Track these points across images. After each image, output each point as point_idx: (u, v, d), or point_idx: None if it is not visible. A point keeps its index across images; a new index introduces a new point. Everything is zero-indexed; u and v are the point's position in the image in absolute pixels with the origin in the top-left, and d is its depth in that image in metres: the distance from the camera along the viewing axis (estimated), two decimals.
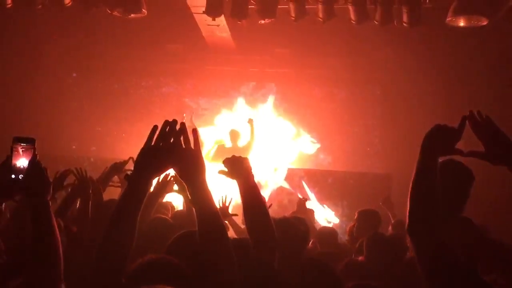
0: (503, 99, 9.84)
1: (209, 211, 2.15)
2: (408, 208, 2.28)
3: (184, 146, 2.21)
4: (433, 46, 9.97)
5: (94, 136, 11.78)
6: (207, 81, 12.08)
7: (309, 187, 10.75)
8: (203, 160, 2.24)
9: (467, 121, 2.41)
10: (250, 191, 2.81)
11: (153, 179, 2.25)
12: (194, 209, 2.17)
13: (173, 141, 2.22)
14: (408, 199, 2.29)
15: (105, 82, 12.22)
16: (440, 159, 2.38)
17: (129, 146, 10.39)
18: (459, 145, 2.40)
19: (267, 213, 2.77)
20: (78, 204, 4.73)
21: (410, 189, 2.29)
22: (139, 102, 12.13)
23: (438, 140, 2.35)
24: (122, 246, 2.10)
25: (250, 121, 10.53)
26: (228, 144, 10.65)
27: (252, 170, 2.89)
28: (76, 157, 10.38)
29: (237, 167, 2.84)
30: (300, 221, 3.94)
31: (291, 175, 11.09)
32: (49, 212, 2.22)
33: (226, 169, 2.87)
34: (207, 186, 2.18)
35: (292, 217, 4.04)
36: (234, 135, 10.59)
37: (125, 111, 11.99)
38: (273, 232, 2.71)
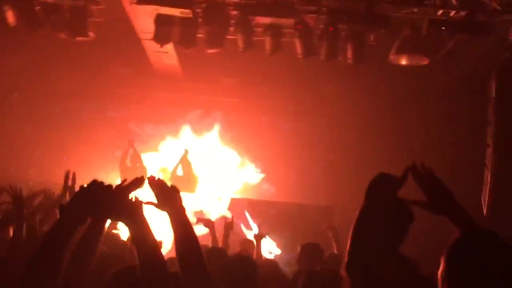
0: (441, 130, 10.20)
1: (148, 248, 2.15)
2: (348, 247, 2.38)
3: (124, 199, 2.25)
4: (377, 81, 10.25)
5: (33, 159, 11.46)
6: (153, 107, 12.00)
7: (252, 217, 10.76)
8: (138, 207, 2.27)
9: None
10: (181, 223, 2.76)
11: (86, 218, 2.26)
12: (135, 248, 2.18)
13: (112, 192, 2.37)
14: (349, 239, 2.39)
15: (47, 104, 11.95)
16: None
17: (70, 169, 10.16)
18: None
19: (198, 246, 2.72)
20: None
21: (352, 230, 2.40)
22: (82, 126, 11.90)
23: (381, 188, 2.45)
24: (44, 280, 2.06)
25: (186, 152, 10.61)
26: (180, 172, 10.59)
27: (183, 202, 2.85)
28: (13, 180, 10.04)
29: (167, 197, 2.80)
30: (246, 261, 3.94)
31: (234, 205, 11.07)
32: None
33: (155, 201, 2.84)
34: (146, 228, 2.20)
35: (237, 257, 4.03)
36: (185, 165, 10.58)
37: (67, 134, 11.73)
38: (204, 265, 2.66)
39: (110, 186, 2.36)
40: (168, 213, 2.78)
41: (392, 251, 3.21)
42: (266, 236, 7.81)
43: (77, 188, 4.83)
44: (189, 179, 10.30)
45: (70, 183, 5.35)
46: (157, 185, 2.83)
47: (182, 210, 2.79)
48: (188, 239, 2.70)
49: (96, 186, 2.34)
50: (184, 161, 10.66)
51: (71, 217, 2.22)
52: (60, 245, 2.17)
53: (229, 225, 7.09)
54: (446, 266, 2.10)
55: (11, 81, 11.47)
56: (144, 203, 2.73)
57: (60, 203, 5.39)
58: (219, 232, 6.99)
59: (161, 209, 2.79)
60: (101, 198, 2.31)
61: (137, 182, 2.78)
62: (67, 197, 5.49)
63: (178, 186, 2.86)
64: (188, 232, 2.73)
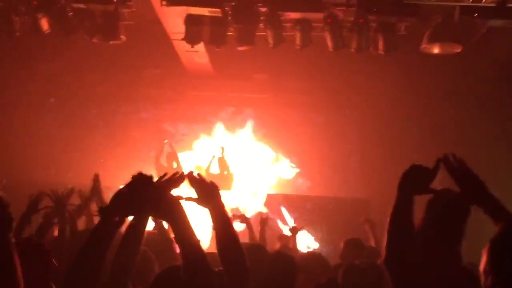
0: (476, 121, 10.05)
1: (193, 249, 2.19)
2: (385, 242, 2.42)
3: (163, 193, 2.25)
4: (410, 71, 10.14)
5: (71, 162, 11.69)
6: (186, 107, 12.11)
7: (288, 212, 10.77)
8: (179, 204, 2.28)
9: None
10: (221, 219, 2.78)
11: (126, 217, 2.31)
12: (179, 247, 2.22)
13: (153, 188, 2.33)
14: (386, 234, 2.43)
15: (82, 108, 12.18)
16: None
17: (107, 171, 10.34)
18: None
19: (238, 242, 2.74)
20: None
21: (388, 225, 2.44)
22: (117, 128, 12.09)
23: (413, 180, 2.50)
24: (88, 279, 2.13)
25: (222, 150, 10.65)
26: (215, 170, 10.66)
27: (222, 198, 2.87)
28: (54, 184, 10.27)
29: (207, 194, 2.81)
30: (286, 258, 4.00)
31: (270, 200, 11.10)
32: (9, 251, 2.14)
33: (196, 196, 2.86)
34: (188, 225, 2.22)
35: (277, 254, 4.09)
36: (220, 163, 10.65)
37: (103, 136, 11.94)
38: (245, 261, 2.69)
39: (151, 177, 2.34)
40: (209, 209, 2.78)
41: (450, 248, 3.22)
42: (302, 230, 7.84)
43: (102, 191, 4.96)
44: (225, 177, 10.36)
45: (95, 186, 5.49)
46: (197, 181, 2.82)
47: (222, 206, 2.80)
48: (229, 235, 2.72)
49: (139, 179, 2.33)
50: (220, 159, 10.72)
51: (112, 218, 2.25)
52: (102, 246, 2.23)
53: (264, 221, 7.16)
54: (490, 259, 2.08)
55: (47, 86, 11.73)
56: (185, 199, 2.72)
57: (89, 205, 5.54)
58: (256, 228, 7.05)
59: (201, 205, 2.79)
60: (142, 195, 2.30)
61: (177, 179, 2.80)
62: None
63: None
64: (229, 228, 2.74)
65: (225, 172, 10.62)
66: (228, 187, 10.32)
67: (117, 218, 2.30)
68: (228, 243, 2.71)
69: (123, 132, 11.94)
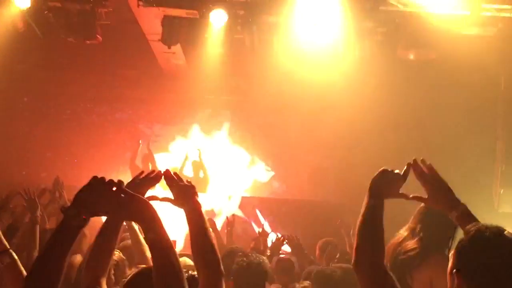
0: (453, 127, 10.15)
1: (163, 249, 2.15)
2: (355, 244, 2.44)
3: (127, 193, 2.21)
4: (387, 75, 10.18)
5: (44, 162, 11.54)
6: (162, 108, 12.04)
7: (263, 215, 10.78)
8: (149, 204, 2.25)
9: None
10: (197, 221, 2.69)
11: (89, 217, 2.22)
12: (149, 249, 2.18)
13: (115, 189, 2.23)
14: (355, 236, 2.46)
15: (57, 107, 12.03)
16: None
17: (81, 171, 10.24)
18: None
19: (214, 245, 2.70)
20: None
21: (357, 228, 2.46)
22: (92, 128, 11.97)
23: (384, 184, 2.55)
24: (48, 279, 2.10)
25: (198, 151, 10.62)
26: (189, 172, 10.63)
27: (198, 198, 2.79)
28: (26, 184, 10.13)
29: (184, 194, 2.74)
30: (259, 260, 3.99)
31: (245, 203, 11.09)
32: None
33: (171, 197, 2.80)
34: (160, 226, 2.18)
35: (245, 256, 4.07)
36: (196, 166, 10.62)
37: (78, 136, 11.81)
38: (219, 265, 2.65)
39: (110, 182, 2.24)
40: (185, 211, 2.71)
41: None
42: (273, 233, 7.85)
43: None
44: (201, 179, 10.34)
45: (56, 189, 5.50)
46: (174, 181, 2.75)
47: (199, 207, 2.74)
48: (205, 237, 2.66)
49: (97, 183, 2.24)
50: (195, 162, 10.69)
51: (72, 218, 2.19)
52: (63, 246, 2.16)
53: (230, 223, 7.20)
54: (456, 262, 2.12)
55: (21, 85, 11.56)
56: (160, 199, 2.70)
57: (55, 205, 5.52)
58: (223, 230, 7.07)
59: (177, 206, 2.73)
60: (103, 196, 2.20)
61: (154, 178, 2.75)
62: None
63: None
64: (205, 231, 2.68)
65: (201, 175, 10.60)
66: (203, 190, 10.29)
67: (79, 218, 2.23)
68: (204, 246, 2.65)
69: (98, 132, 11.83)
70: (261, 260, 3.99)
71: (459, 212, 2.56)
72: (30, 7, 8.10)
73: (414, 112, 10.84)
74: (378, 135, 10.68)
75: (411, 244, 3.57)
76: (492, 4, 8.22)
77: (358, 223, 2.46)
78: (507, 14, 8.29)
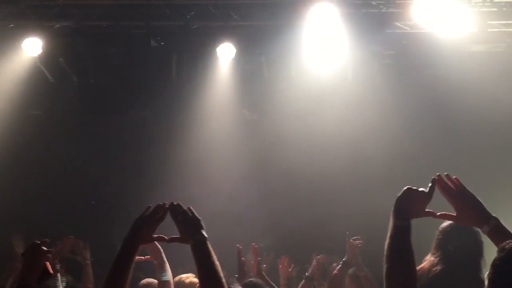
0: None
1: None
2: (385, 269, 2.31)
3: None
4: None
5: None
6: None
7: None
8: None
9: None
10: (202, 253, 2.56)
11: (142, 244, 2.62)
12: None
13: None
14: (385, 260, 2.32)
15: None
16: None
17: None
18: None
19: (220, 278, 2.57)
20: None
21: (386, 251, 2.33)
22: None
23: (409, 204, 2.41)
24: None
25: None
26: None
27: (204, 231, 2.62)
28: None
29: (189, 228, 2.61)
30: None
31: None
32: None
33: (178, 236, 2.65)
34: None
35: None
36: None
37: None
38: None
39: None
40: (191, 245, 2.59)
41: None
42: None
43: None
44: None
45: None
46: (180, 214, 2.64)
47: (205, 239, 2.60)
48: (213, 271, 2.53)
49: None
50: None
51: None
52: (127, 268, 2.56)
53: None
54: (493, 283, 2.01)
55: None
56: (167, 240, 2.67)
57: None
58: None
59: (184, 242, 2.61)
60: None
61: (162, 215, 2.64)
62: None
63: None
64: (212, 264, 2.55)
65: None
66: None
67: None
68: (211, 281, 2.53)
69: None
70: None
71: (491, 225, 2.40)
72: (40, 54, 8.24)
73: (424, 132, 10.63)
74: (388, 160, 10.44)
75: (439, 268, 3.41)
76: (499, 21, 8.27)
77: (386, 246, 2.33)
78: None
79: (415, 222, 2.42)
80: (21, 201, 9.86)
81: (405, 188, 2.46)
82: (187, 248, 2.60)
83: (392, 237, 2.33)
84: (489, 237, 2.42)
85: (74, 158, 10.56)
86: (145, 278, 4.81)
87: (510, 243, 2.03)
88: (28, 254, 2.78)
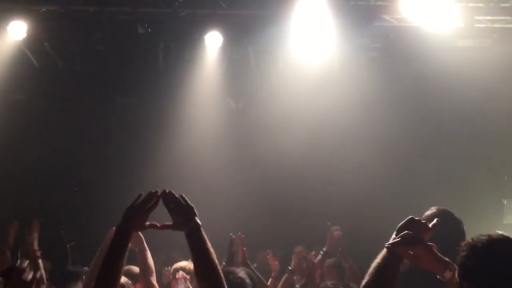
0: None
1: None
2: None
3: None
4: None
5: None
6: None
7: None
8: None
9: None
10: (197, 241, 2.56)
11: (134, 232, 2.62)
12: None
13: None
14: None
15: None
16: None
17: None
18: None
19: (216, 265, 2.57)
20: None
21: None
22: None
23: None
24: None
25: None
26: None
27: (198, 218, 2.60)
28: None
29: (183, 216, 2.59)
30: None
31: None
32: None
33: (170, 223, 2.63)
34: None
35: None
36: None
37: None
38: (222, 285, 2.54)
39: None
40: (185, 232, 2.59)
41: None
42: None
43: None
44: None
45: None
46: (173, 202, 2.63)
47: (199, 226, 2.60)
48: (208, 258, 2.54)
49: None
50: None
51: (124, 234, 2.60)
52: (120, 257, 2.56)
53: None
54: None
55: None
56: (160, 227, 2.64)
57: None
58: None
59: (177, 230, 2.61)
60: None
61: (154, 202, 2.63)
62: None
63: None
64: (207, 251, 2.56)
65: None
66: None
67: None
68: (206, 268, 2.53)
69: None
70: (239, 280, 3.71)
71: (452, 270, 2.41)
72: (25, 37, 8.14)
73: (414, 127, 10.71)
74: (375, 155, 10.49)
75: None
76: (485, 16, 8.31)
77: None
78: (501, 25, 8.37)
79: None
80: (0, 187, 9.77)
81: (409, 217, 2.49)
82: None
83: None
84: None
85: (58, 144, 10.52)
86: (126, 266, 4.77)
87: (479, 239, 2.18)
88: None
